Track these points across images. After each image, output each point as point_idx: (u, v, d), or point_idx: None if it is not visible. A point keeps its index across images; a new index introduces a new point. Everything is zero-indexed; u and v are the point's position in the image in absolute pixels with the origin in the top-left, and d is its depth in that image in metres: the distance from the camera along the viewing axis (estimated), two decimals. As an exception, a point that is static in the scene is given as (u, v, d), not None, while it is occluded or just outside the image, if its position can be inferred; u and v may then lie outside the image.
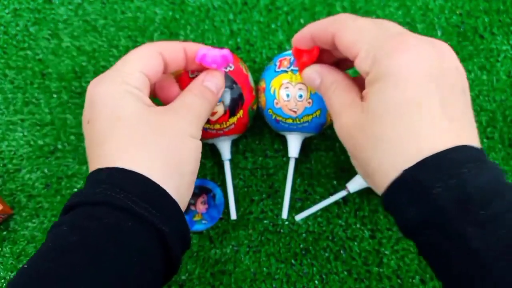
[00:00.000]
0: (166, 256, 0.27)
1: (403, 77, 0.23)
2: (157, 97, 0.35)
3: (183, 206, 0.29)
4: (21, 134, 0.44)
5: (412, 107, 0.23)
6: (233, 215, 0.41)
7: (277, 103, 0.38)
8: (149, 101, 0.30)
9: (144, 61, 0.30)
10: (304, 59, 0.34)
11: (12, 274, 0.40)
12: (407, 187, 0.23)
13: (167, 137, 0.29)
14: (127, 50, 0.47)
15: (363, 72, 0.26)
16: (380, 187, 0.25)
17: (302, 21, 0.48)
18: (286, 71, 0.38)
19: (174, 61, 0.32)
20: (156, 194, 0.27)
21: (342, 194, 0.40)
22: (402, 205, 0.23)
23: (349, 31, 0.27)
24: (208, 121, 0.37)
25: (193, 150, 0.30)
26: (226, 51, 0.35)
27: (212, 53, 0.35)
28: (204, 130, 0.38)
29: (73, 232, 0.24)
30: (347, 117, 0.27)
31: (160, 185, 0.27)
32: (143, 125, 0.28)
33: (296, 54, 0.34)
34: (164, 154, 0.28)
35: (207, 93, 0.33)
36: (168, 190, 0.27)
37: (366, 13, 0.48)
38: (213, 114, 0.37)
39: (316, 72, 0.31)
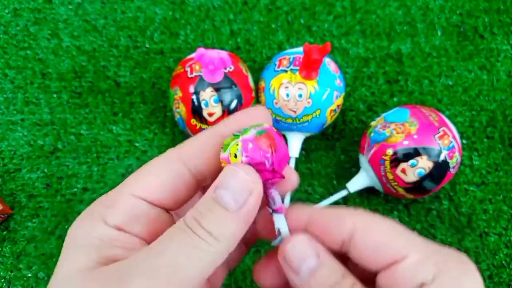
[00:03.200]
0: None
1: None
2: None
3: None
4: (21, 134, 0.44)
5: None
6: None
7: (276, 103, 0.38)
8: (139, 244, 0.21)
9: (152, 178, 0.21)
10: (315, 56, 0.33)
11: (12, 273, 0.40)
12: None
13: None
14: (127, 50, 0.47)
15: (414, 279, 0.21)
16: None
17: (302, 21, 0.48)
18: (285, 71, 0.37)
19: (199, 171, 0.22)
20: None
21: (342, 194, 0.40)
22: None
23: (382, 228, 0.22)
24: (206, 122, 0.37)
25: None
26: (224, 54, 0.35)
27: (210, 54, 0.35)
28: (201, 130, 0.38)
29: None
30: None
31: None
32: None
33: (307, 49, 0.33)
34: None
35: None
36: None
37: (366, 13, 0.48)
38: (211, 114, 0.37)
39: (314, 252, 0.21)
